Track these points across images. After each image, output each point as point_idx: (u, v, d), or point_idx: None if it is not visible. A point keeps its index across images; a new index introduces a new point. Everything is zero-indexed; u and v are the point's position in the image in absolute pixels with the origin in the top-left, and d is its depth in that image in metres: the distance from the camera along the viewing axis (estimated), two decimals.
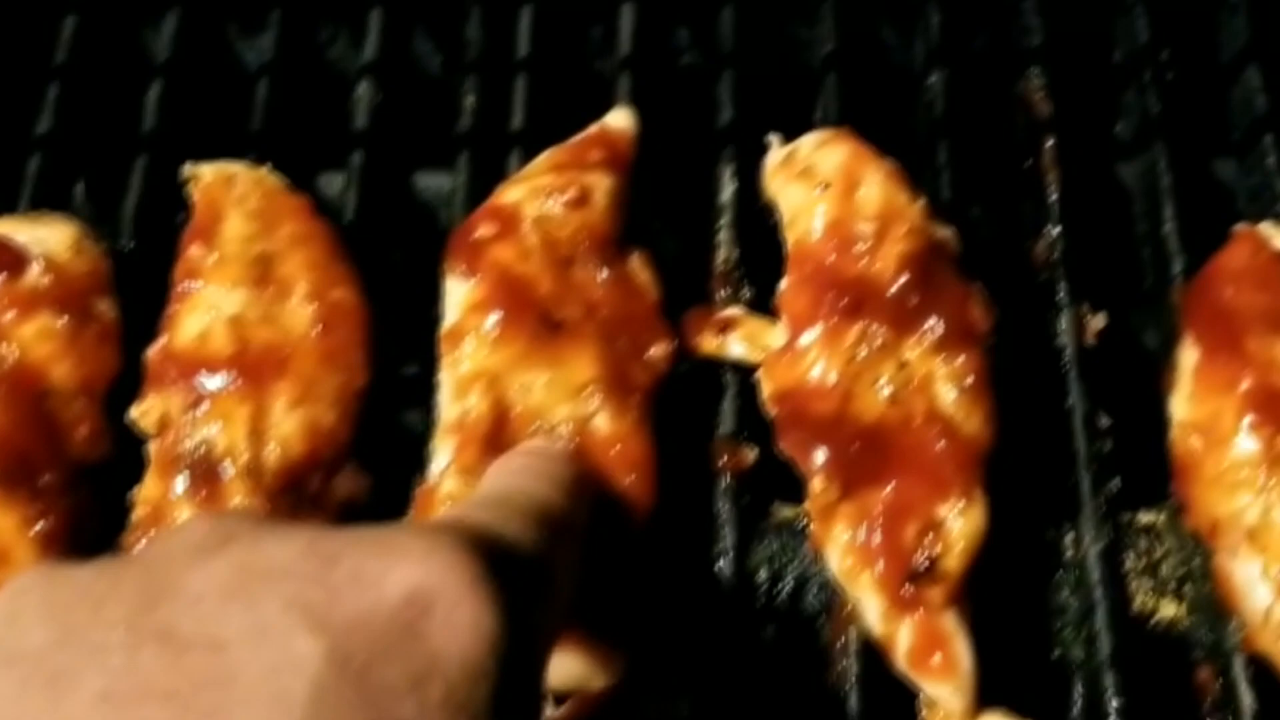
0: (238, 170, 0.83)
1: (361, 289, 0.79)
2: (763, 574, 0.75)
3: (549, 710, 0.68)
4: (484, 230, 0.79)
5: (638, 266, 0.80)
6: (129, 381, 0.77)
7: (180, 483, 0.73)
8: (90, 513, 0.75)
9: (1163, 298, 0.82)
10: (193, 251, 0.80)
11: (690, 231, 0.85)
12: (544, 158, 0.83)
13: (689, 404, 0.78)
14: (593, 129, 0.85)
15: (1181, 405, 0.75)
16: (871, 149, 0.81)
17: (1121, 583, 0.74)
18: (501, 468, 0.66)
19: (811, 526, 0.73)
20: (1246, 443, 0.71)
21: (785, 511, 0.77)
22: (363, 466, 0.76)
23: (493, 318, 0.75)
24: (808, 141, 0.82)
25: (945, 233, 0.79)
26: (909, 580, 0.70)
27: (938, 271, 0.77)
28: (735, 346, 0.79)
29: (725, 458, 0.77)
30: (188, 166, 0.84)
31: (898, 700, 0.70)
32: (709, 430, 0.78)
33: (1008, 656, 0.70)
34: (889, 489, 0.72)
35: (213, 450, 0.73)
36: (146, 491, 0.74)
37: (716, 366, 0.80)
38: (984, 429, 0.73)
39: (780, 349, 0.76)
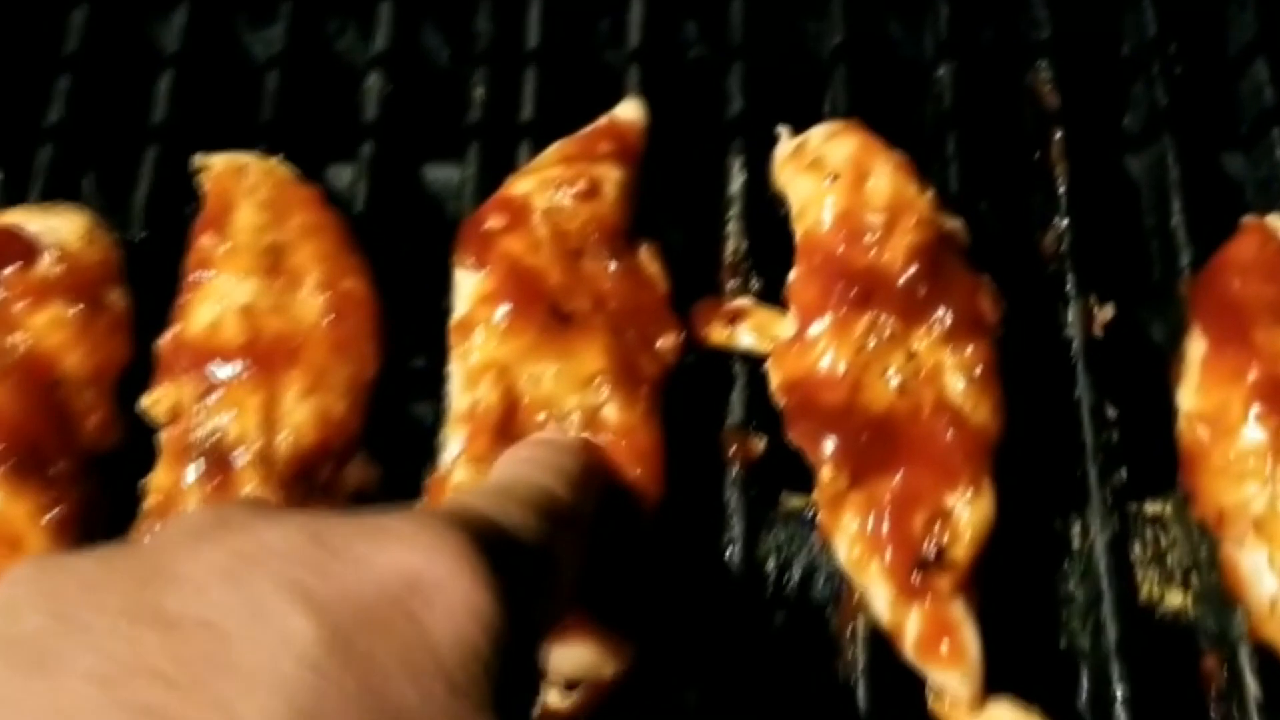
0: (248, 161, 0.83)
1: (372, 280, 0.80)
2: (771, 563, 0.76)
3: (559, 698, 0.68)
4: (494, 222, 0.80)
5: (647, 258, 0.80)
6: (140, 371, 0.78)
7: (192, 471, 0.73)
8: (102, 501, 0.75)
9: (1170, 290, 0.82)
10: (204, 241, 0.80)
11: (699, 223, 0.85)
12: (554, 150, 0.84)
13: (698, 394, 0.78)
14: (602, 121, 0.85)
15: (1189, 396, 0.75)
16: (880, 141, 0.81)
17: (1128, 572, 0.74)
18: (509, 458, 0.66)
19: (820, 516, 0.74)
20: (1253, 433, 0.71)
21: (794, 501, 0.77)
22: (373, 457, 0.76)
23: (502, 309, 0.76)
24: (817, 133, 0.83)
25: (954, 224, 0.79)
26: (917, 569, 0.70)
27: (946, 262, 0.77)
28: (744, 337, 0.79)
29: (734, 448, 0.77)
30: (198, 157, 0.84)
31: (906, 688, 0.71)
32: (718, 420, 0.79)
33: (1015, 645, 0.71)
34: (898, 478, 0.72)
35: (224, 439, 0.73)
36: (158, 480, 0.74)
37: (726, 357, 0.80)
38: (992, 419, 0.74)
39: (789, 339, 0.77)
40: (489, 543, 0.50)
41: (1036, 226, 0.85)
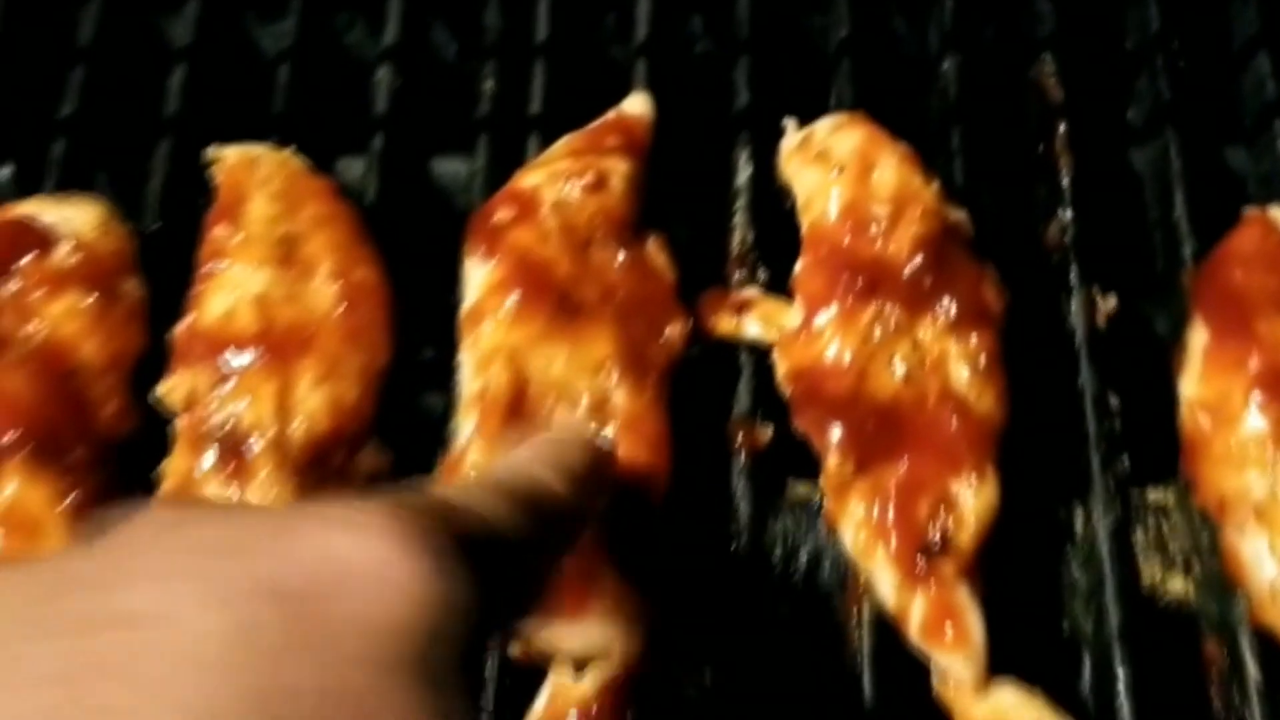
0: (261, 152, 0.84)
1: (384, 270, 0.81)
2: (778, 549, 0.77)
3: (569, 678, 0.69)
4: (503, 214, 0.80)
5: (654, 250, 0.81)
6: (155, 360, 0.79)
7: (207, 458, 0.74)
8: (117, 489, 0.76)
9: (1173, 281, 0.83)
10: (217, 232, 0.81)
11: (706, 215, 0.86)
12: (562, 143, 0.85)
13: (706, 384, 0.79)
14: (610, 115, 0.86)
15: (1191, 385, 0.76)
16: (886, 133, 0.82)
17: (1131, 558, 0.75)
18: (514, 451, 0.66)
19: (826, 503, 0.74)
20: (1254, 421, 0.72)
21: (800, 488, 0.78)
22: (385, 445, 0.77)
23: (512, 298, 0.77)
24: (823, 125, 0.84)
25: (959, 215, 0.80)
26: (922, 554, 0.71)
27: (951, 253, 0.78)
28: (751, 327, 0.80)
29: (741, 436, 0.78)
30: (211, 149, 0.85)
31: (911, 672, 0.72)
32: (725, 409, 0.79)
33: (1018, 629, 0.71)
34: (903, 466, 0.73)
35: (238, 426, 0.74)
36: (174, 467, 0.75)
37: (732, 347, 0.81)
38: (996, 408, 0.75)
39: (796, 329, 0.78)
40: (451, 531, 0.49)
41: (1040, 219, 0.86)
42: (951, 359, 0.75)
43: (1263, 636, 0.71)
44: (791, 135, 0.85)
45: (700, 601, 0.74)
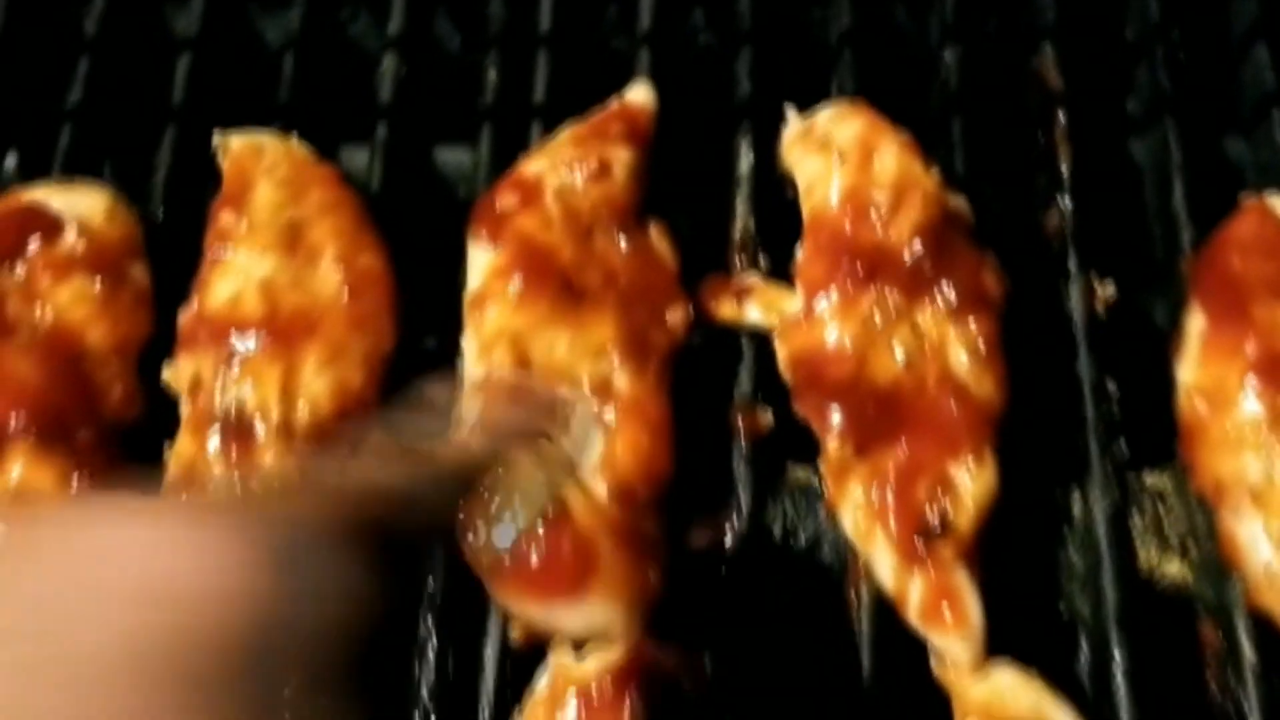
0: (267, 139, 0.85)
1: (388, 256, 0.81)
2: (778, 532, 0.77)
3: (570, 657, 0.70)
4: (507, 200, 0.81)
5: (656, 236, 0.82)
6: (161, 345, 0.80)
7: (213, 441, 0.75)
8: (124, 471, 0.77)
9: (1171, 269, 0.84)
10: (223, 218, 0.82)
11: (708, 203, 0.87)
12: (566, 132, 0.85)
13: (707, 369, 0.80)
14: (613, 104, 0.87)
15: (1188, 370, 0.76)
16: (887, 120, 0.82)
17: (1128, 542, 0.76)
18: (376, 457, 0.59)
19: (826, 487, 0.75)
20: (1251, 406, 0.73)
21: (800, 472, 0.78)
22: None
23: (515, 283, 0.77)
24: (825, 113, 0.84)
25: (958, 202, 0.80)
26: (921, 537, 0.71)
27: (951, 239, 0.78)
28: (752, 312, 0.80)
29: (742, 421, 0.79)
30: (217, 136, 0.86)
31: (909, 653, 0.72)
32: (727, 394, 0.80)
33: (1016, 612, 0.72)
34: (902, 450, 0.73)
35: (244, 410, 0.75)
36: (181, 450, 0.76)
37: (734, 333, 0.81)
38: (995, 393, 0.75)
39: (796, 315, 0.78)
40: (263, 539, 0.45)
41: (1040, 207, 0.87)
42: (951, 344, 0.76)
43: (1259, 619, 0.72)
44: (793, 123, 0.85)
45: (701, 583, 0.75)
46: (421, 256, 0.84)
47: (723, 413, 0.79)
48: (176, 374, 0.77)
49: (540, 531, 0.69)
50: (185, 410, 0.77)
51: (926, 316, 0.76)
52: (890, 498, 0.73)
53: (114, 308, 0.79)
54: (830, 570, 0.76)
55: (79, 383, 0.77)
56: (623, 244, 0.80)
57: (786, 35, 0.96)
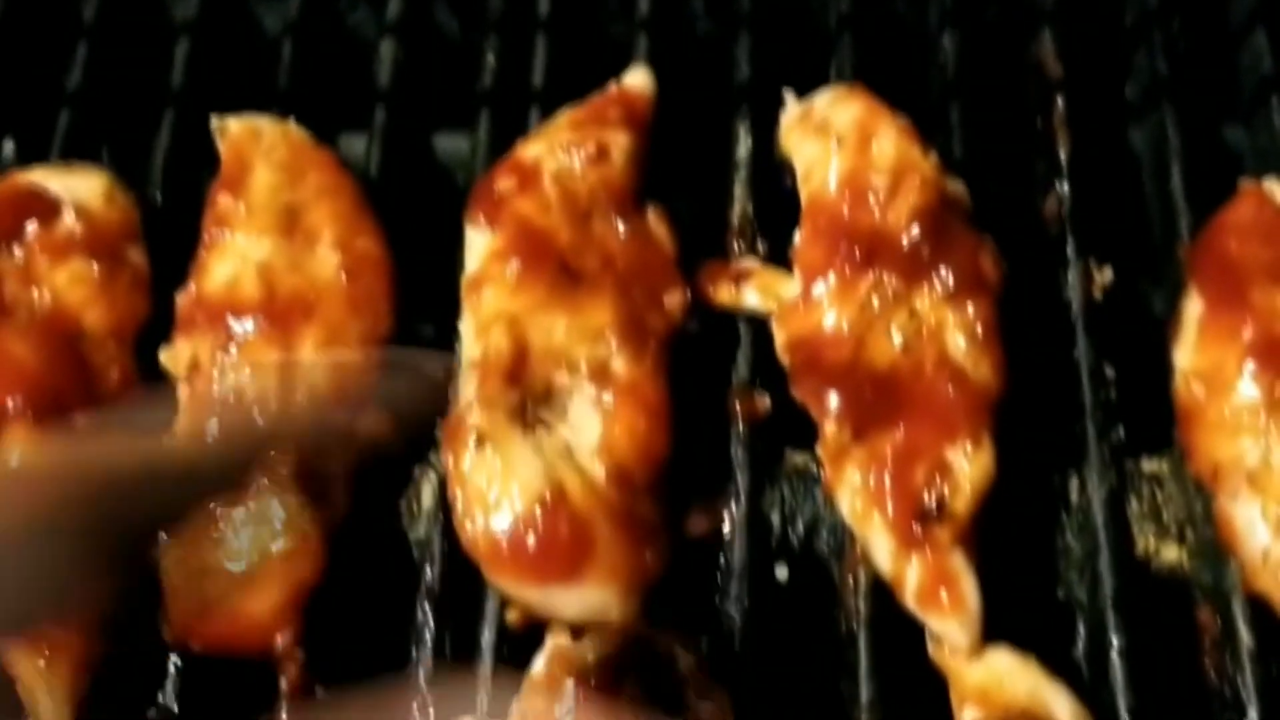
0: (265, 123, 0.85)
1: (386, 240, 0.81)
2: (776, 516, 0.77)
3: (565, 639, 0.70)
4: (505, 184, 0.81)
5: (655, 220, 0.82)
6: (159, 327, 0.80)
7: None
8: None
9: (1169, 254, 0.84)
10: (221, 201, 0.82)
11: (707, 187, 0.87)
12: (564, 116, 0.85)
13: (705, 354, 0.80)
14: (611, 88, 0.87)
15: (1185, 354, 0.76)
16: (885, 105, 0.82)
17: (1125, 527, 0.76)
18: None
19: (824, 471, 0.75)
20: (1248, 389, 0.73)
21: (798, 456, 0.78)
22: None
23: (513, 265, 0.77)
24: (823, 98, 0.84)
25: (956, 186, 0.80)
26: (918, 521, 0.71)
27: (949, 224, 0.78)
28: (750, 297, 0.80)
29: (740, 405, 0.79)
30: (215, 119, 0.86)
31: (907, 637, 0.72)
32: (724, 379, 0.80)
33: (1013, 595, 0.72)
34: (899, 434, 0.73)
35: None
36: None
37: (732, 317, 0.81)
38: (993, 377, 0.75)
39: (794, 299, 0.78)
40: None
41: (1038, 192, 0.87)
42: (949, 328, 0.76)
43: (1255, 603, 0.72)
44: (791, 107, 0.85)
45: (699, 567, 0.75)
46: (419, 241, 0.84)
47: (720, 397, 0.79)
48: (174, 357, 0.77)
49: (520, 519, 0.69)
50: (182, 393, 0.77)
51: (924, 301, 0.76)
52: (888, 482, 0.72)
53: (112, 290, 0.79)
54: (828, 554, 0.76)
55: (76, 365, 0.77)
56: (621, 228, 0.80)
57: (785, 20, 0.96)
